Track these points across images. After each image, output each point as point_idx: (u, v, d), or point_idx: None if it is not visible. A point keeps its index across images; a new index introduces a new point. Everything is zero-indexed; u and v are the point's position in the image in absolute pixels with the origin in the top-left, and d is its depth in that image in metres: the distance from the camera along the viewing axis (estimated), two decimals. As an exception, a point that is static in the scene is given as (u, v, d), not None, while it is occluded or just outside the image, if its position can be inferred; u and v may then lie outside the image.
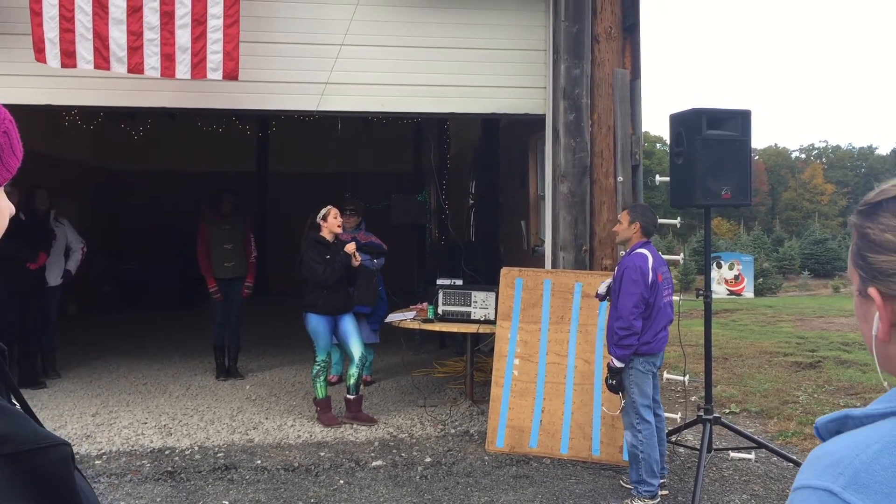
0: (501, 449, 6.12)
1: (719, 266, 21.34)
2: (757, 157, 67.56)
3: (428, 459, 5.93)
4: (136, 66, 6.08)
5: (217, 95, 6.59)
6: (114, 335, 11.40)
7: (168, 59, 6.09)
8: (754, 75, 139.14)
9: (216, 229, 8.42)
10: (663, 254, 5.98)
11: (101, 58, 6.04)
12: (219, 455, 6.04)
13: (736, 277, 21.43)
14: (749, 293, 21.41)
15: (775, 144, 78.40)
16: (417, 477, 5.58)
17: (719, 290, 20.99)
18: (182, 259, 12.84)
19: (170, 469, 5.69)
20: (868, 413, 0.92)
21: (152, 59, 6.08)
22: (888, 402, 0.92)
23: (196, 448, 6.20)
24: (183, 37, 6.07)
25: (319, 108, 6.67)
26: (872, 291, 0.97)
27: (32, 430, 0.96)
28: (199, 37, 6.09)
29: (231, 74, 6.15)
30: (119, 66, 6.07)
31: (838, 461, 0.87)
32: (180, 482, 5.46)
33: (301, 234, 7.00)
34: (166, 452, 6.09)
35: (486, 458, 5.99)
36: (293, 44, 6.65)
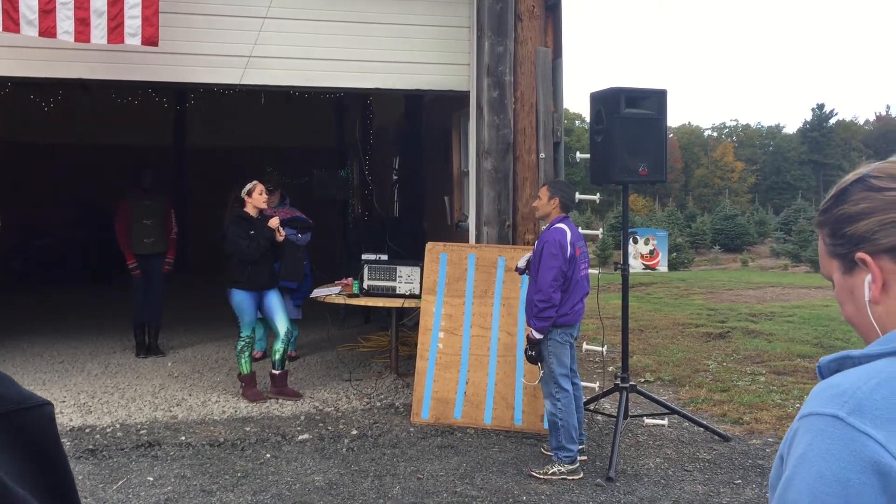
0: (427, 420, 6.24)
1: (635, 241, 21.86)
2: (672, 135, 69.32)
3: (354, 432, 6.01)
4: (47, 30, 5.85)
5: (136, 67, 6.43)
6: (27, 313, 11.03)
7: (82, 24, 5.88)
8: (669, 55, 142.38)
9: (136, 204, 8.25)
10: (583, 229, 6.16)
11: (10, 20, 5.77)
12: (141, 432, 5.98)
13: (651, 252, 22.04)
14: (663, 267, 21.99)
15: (689, 123, 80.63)
16: (344, 449, 5.65)
17: (635, 265, 21.49)
18: (99, 234, 12.49)
19: (91, 447, 5.61)
20: (866, 353, 1.06)
21: (65, 22, 5.85)
22: (883, 344, 1.06)
23: (118, 426, 6.13)
24: (98, 0, 5.88)
25: (242, 82, 6.59)
26: (862, 255, 1.10)
27: (17, 392, 0.98)
28: (115, 0, 5.91)
29: (150, 40, 6.00)
30: (30, 30, 5.82)
31: (842, 392, 0.99)
32: (102, 460, 5.40)
33: (225, 210, 6.93)
34: (87, 431, 6.00)
35: (412, 429, 6.10)
36: (215, 16, 6.54)
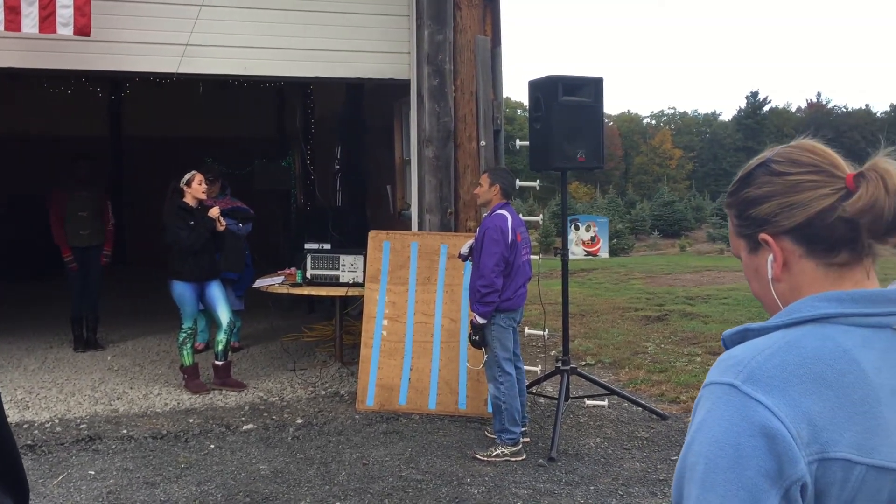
0: (372, 407, 6.28)
1: (577, 228, 22.22)
2: (611, 123, 70.31)
3: (299, 421, 6.02)
4: None
5: (68, 56, 6.30)
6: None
7: (13, 12, 5.75)
8: (608, 43, 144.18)
9: (71, 196, 8.08)
10: (525, 216, 6.26)
11: None
12: (81, 426, 5.90)
13: (592, 239, 22.39)
14: (604, 253, 22.44)
15: (628, 111, 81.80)
16: (289, 438, 5.66)
17: (577, 251, 21.87)
18: (34, 228, 12.15)
19: (29, 443, 5.52)
20: (765, 326, 1.14)
21: None
22: (780, 317, 1.14)
23: (57, 420, 6.03)
24: None
25: (180, 71, 6.51)
26: (765, 237, 1.17)
27: None
28: None
29: (83, 30, 5.89)
30: None
31: (738, 362, 1.07)
32: (42, 455, 5.32)
33: (164, 201, 6.84)
34: (24, 426, 5.89)
35: (357, 416, 6.14)
36: (151, 3, 6.44)
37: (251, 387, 6.88)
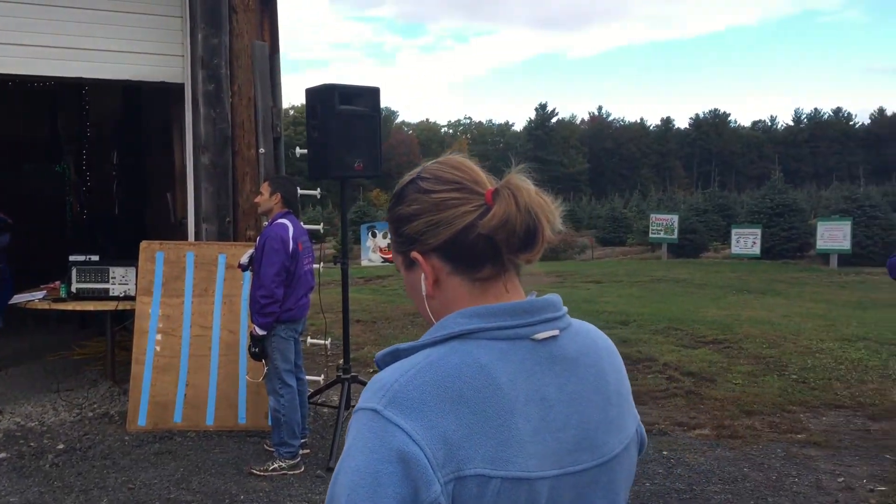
0: (144, 427, 5.96)
1: (374, 235, 22.37)
2: (411, 132, 71.62)
3: (61, 446, 5.59)
4: None
5: None
6: None
7: None
8: (411, 53, 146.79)
9: None
10: (318, 224, 6.19)
11: None
12: None
13: (389, 245, 22.62)
14: (401, 260, 22.74)
15: (427, 119, 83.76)
16: (47, 465, 5.24)
17: (375, 258, 21.99)
18: None
19: None
20: (413, 345, 1.11)
21: None
22: (428, 335, 1.11)
23: None
24: None
25: (-85, 65, 5.87)
26: (415, 255, 1.15)
27: None
28: None
29: None
30: None
31: (382, 386, 1.04)
32: None
33: None
34: None
35: (127, 438, 5.80)
36: None
37: (7, 412, 6.30)
